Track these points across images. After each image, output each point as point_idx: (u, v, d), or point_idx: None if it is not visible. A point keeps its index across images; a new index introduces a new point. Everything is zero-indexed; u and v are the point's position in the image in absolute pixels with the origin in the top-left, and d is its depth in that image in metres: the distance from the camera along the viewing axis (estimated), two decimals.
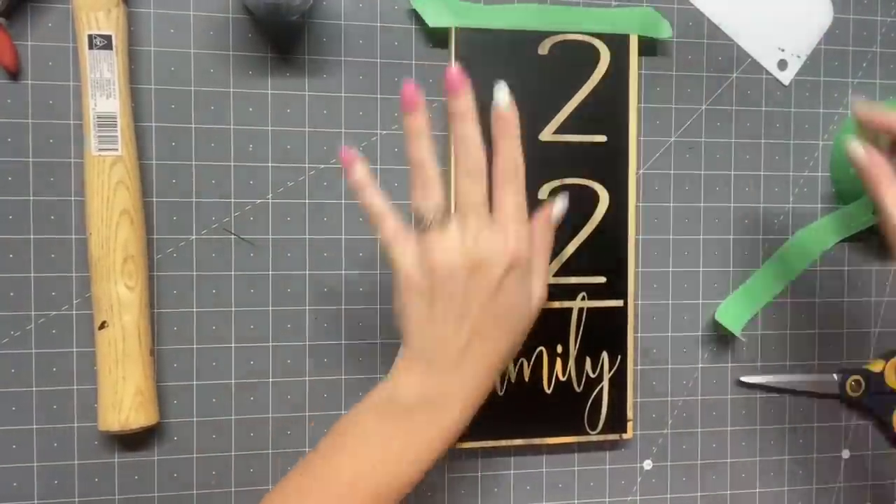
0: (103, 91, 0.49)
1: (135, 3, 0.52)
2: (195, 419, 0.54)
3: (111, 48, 0.49)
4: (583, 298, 0.57)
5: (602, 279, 0.57)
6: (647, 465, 0.60)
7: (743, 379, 0.61)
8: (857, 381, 0.62)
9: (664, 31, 0.57)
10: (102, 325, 0.49)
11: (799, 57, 0.61)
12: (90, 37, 0.49)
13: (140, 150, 0.52)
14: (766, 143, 0.61)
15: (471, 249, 0.41)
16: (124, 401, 0.49)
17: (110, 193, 0.49)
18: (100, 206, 0.49)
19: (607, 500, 0.59)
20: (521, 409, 0.57)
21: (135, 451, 0.53)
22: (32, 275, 0.51)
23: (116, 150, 0.49)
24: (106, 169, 0.49)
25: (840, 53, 0.62)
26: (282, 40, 0.54)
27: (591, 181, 0.57)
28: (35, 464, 0.52)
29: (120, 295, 0.49)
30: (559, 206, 0.47)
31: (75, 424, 0.52)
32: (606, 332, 0.57)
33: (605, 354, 0.57)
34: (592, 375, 0.57)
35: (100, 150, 0.49)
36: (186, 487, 0.54)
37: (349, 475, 0.41)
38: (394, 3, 0.56)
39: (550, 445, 0.58)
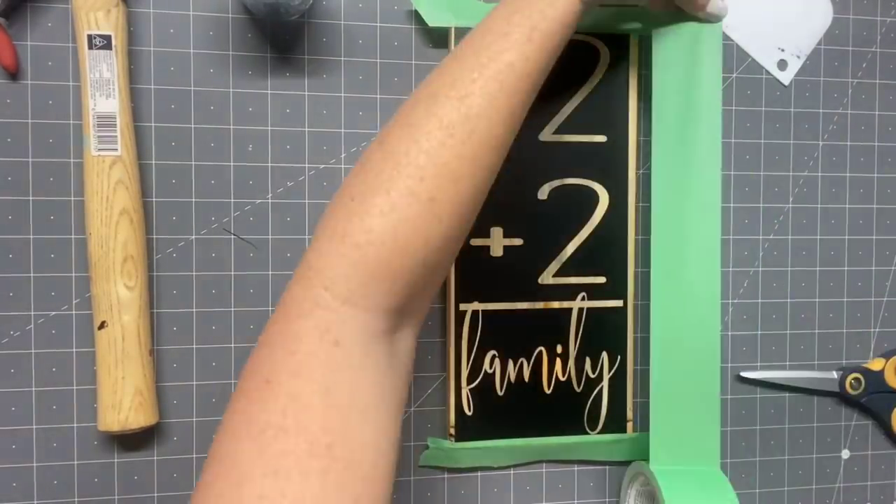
0: (103, 91, 0.49)
1: (134, 3, 0.52)
2: (195, 419, 0.54)
3: (111, 48, 0.49)
4: (583, 298, 0.57)
5: (602, 279, 0.57)
6: None
7: (743, 374, 0.61)
8: (856, 379, 0.62)
9: None
10: (102, 325, 0.49)
11: (799, 57, 0.61)
12: (90, 37, 0.49)
13: (140, 150, 0.52)
14: (766, 143, 0.61)
15: None
16: (124, 401, 0.49)
17: (110, 193, 0.49)
18: (99, 206, 0.49)
19: (607, 500, 0.59)
20: (520, 409, 0.57)
21: (134, 451, 0.53)
22: (32, 275, 0.51)
23: (116, 150, 0.49)
24: (105, 169, 0.49)
25: (840, 53, 0.62)
26: (282, 40, 0.54)
27: (591, 181, 0.57)
28: (35, 464, 0.52)
29: (119, 295, 0.49)
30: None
31: (75, 424, 0.52)
32: (606, 332, 0.57)
33: (604, 354, 0.57)
34: (592, 375, 0.57)
35: (99, 150, 0.49)
36: (186, 487, 0.54)
37: (471, 49, 0.41)
38: (394, 3, 0.55)
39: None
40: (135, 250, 0.50)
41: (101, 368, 0.50)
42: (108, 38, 0.49)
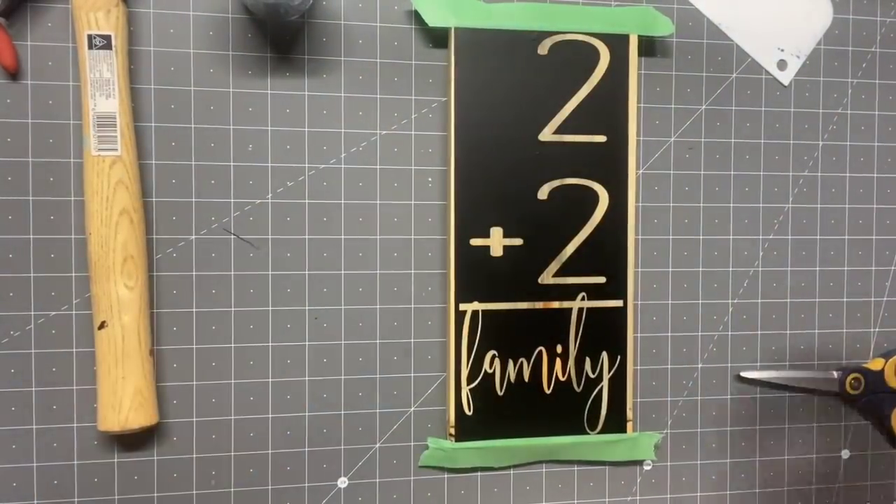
0: (103, 91, 0.49)
1: (135, 3, 0.52)
2: (195, 419, 0.54)
3: (111, 48, 0.49)
4: (583, 298, 0.57)
5: (602, 279, 0.57)
6: (647, 465, 0.60)
7: (742, 374, 0.61)
8: (856, 380, 0.62)
9: (664, 27, 0.57)
10: (102, 325, 0.49)
11: (799, 57, 0.61)
12: (90, 37, 0.49)
13: (140, 150, 0.52)
14: (765, 143, 0.61)
15: None
16: (124, 401, 0.49)
17: (110, 193, 0.49)
18: (99, 206, 0.49)
19: (607, 500, 0.60)
20: (521, 409, 0.57)
21: (134, 451, 0.53)
22: (32, 275, 0.51)
23: (116, 150, 0.49)
24: (105, 169, 0.49)
25: (840, 53, 0.62)
26: (282, 40, 0.54)
27: (591, 181, 0.57)
28: (35, 464, 0.52)
29: (119, 295, 0.49)
30: None
31: (75, 424, 0.52)
32: (606, 332, 0.57)
33: (604, 354, 0.58)
34: (592, 375, 0.57)
35: (99, 150, 0.49)
36: (186, 487, 0.54)
37: None
38: (394, 3, 0.55)
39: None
40: (135, 250, 0.50)
41: (101, 368, 0.50)
42: (108, 38, 0.49)
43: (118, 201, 0.49)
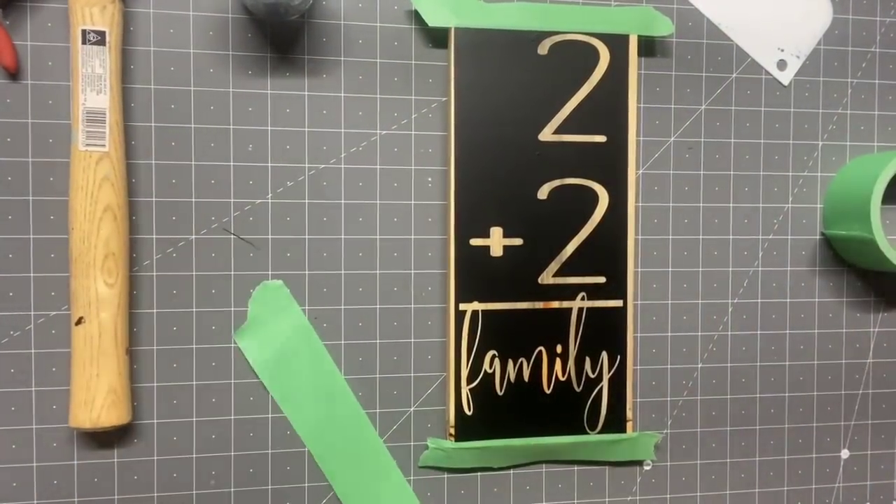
0: (94, 87, 0.49)
1: (134, 3, 0.52)
2: (195, 419, 0.54)
3: (104, 44, 0.49)
4: (582, 298, 0.57)
5: (602, 279, 0.57)
6: (647, 465, 0.60)
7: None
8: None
9: (664, 27, 0.57)
10: (79, 321, 0.49)
11: (798, 57, 0.61)
12: (83, 31, 0.48)
13: (140, 149, 0.52)
14: (765, 143, 0.61)
15: None
16: (97, 398, 0.49)
17: (94, 189, 0.49)
18: (83, 201, 0.49)
19: (607, 500, 0.60)
20: (520, 409, 0.57)
21: (135, 451, 0.53)
22: (32, 275, 0.51)
23: (104, 146, 0.49)
24: (92, 164, 0.49)
25: (839, 53, 0.62)
26: (281, 40, 0.54)
27: (590, 181, 0.57)
28: (35, 464, 0.52)
29: (99, 291, 0.49)
30: None
31: None
32: (606, 332, 0.57)
33: (604, 354, 0.58)
34: (592, 375, 0.57)
35: (87, 145, 0.49)
36: (186, 487, 0.54)
37: None
38: (394, 3, 0.56)
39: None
40: (117, 247, 0.49)
41: (75, 364, 0.49)
42: (102, 35, 0.49)
43: (103, 197, 0.49)
